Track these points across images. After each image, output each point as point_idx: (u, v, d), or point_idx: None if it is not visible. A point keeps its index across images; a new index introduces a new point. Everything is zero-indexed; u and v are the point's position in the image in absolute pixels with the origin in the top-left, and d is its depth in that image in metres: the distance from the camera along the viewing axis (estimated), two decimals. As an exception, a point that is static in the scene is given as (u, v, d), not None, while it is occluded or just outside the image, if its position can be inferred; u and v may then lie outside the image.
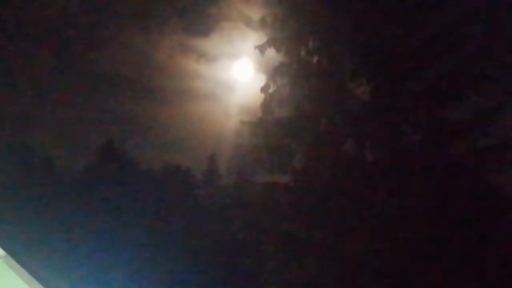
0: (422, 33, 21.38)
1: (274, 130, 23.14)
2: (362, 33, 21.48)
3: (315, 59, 23.11)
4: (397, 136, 20.74)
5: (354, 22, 21.66)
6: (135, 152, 36.50)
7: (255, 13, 25.27)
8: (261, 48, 23.73)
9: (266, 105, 23.31)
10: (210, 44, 34.03)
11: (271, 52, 23.34)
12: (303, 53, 23.04)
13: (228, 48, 32.82)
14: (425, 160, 19.59)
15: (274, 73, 23.24)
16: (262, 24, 23.76)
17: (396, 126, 20.88)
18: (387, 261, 18.84)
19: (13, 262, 13.62)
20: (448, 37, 21.01)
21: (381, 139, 20.59)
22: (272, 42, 23.56)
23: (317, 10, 22.81)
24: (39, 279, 13.51)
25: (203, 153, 34.04)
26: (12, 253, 13.69)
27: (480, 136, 19.66)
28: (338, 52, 22.91)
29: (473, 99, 20.30)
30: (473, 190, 18.67)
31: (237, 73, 35.64)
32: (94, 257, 28.96)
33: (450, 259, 18.25)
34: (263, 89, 23.40)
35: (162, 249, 31.92)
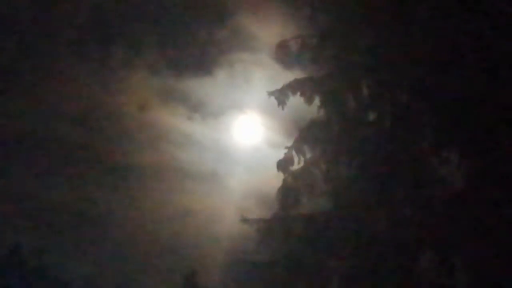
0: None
1: (298, 239, 15.63)
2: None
3: (371, 116, 15.58)
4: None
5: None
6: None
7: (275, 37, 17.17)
8: (280, 96, 16.04)
9: (285, 192, 15.92)
10: (209, 89, 24.37)
11: (296, 102, 16.00)
12: (352, 105, 15.67)
13: (236, 95, 23.49)
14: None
15: (301, 137, 15.97)
16: (283, 53, 16.29)
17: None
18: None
19: None
20: None
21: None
22: (298, 85, 15.94)
23: (379, 31, 15.39)
24: None
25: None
26: None
27: None
28: (412, 108, 15.22)
29: None
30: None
31: (240, 138, 25.29)
32: None
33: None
34: (282, 165, 16.00)
35: None
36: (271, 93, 16.09)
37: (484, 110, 14.09)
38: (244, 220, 16.17)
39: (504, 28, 14.83)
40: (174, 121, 26.56)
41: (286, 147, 16.18)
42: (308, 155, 16.20)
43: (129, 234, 23.72)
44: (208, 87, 26.28)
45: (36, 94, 25.30)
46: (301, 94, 16.11)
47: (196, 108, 26.64)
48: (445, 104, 14.62)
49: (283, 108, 16.13)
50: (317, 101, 16.08)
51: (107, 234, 23.90)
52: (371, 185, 15.29)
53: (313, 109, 16.21)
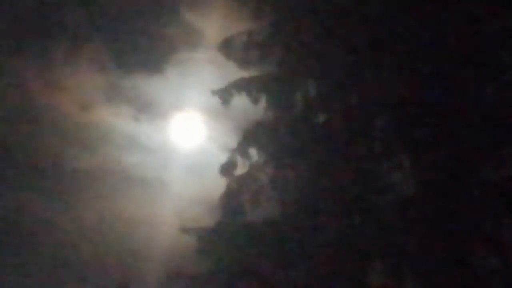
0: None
1: (241, 249, 15.28)
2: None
3: (320, 118, 15.42)
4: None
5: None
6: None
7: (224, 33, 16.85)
8: (224, 95, 15.81)
9: (228, 199, 15.68)
10: (158, 88, 23.91)
11: (240, 102, 15.84)
12: (300, 105, 15.54)
13: (185, 95, 23.04)
14: None
15: (245, 140, 15.68)
16: (227, 50, 16.14)
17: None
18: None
19: None
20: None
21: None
22: (244, 84, 15.70)
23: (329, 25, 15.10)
24: None
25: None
26: None
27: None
28: (363, 110, 14.97)
29: None
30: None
31: (187, 141, 24.88)
32: None
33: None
34: (225, 170, 15.76)
35: None
36: (215, 92, 15.75)
37: (438, 114, 13.95)
38: (184, 230, 15.78)
39: (465, 27, 14.74)
40: (119, 121, 26.06)
41: (230, 150, 15.81)
42: (253, 159, 15.88)
43: (63, 243, 23.14)
44: (157, 86, 25.86)
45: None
46: (247, 94, 15.77)
47: (143, 108, 26.16)
48: (397, 107, 14.44)
49: (226, 108, 15.79)
50: (263, 101, 15.79)
51: (39, 243, 23.26)
52: (319, 191, 15.05)
53: (258, 111, 15.93)
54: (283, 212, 15.41)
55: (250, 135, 15.68)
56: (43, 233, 23.79)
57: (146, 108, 26.00)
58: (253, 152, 15.82)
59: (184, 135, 24.64)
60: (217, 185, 16.31)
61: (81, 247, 23.57)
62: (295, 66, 15.47)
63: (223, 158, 16.13)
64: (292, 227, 15.05)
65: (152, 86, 25.81)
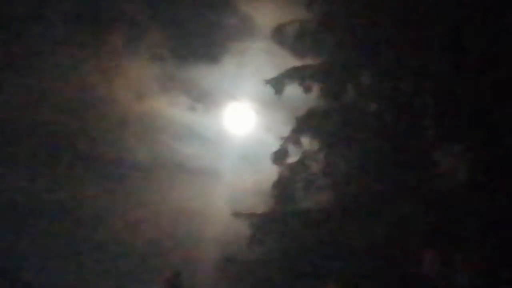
0: None
1: (293, 236, 15.68)
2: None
3: (372, 106, 15.80)
4: None
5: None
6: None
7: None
8: (277, 85, 16.23)
9: (281, 187, 16.02)
10: (214, 78, 24.32)
11: (293, 90, 16.17)
12: (352, 94, 15.86)
13: (240, 84, 23.47)
14: None
15: (297, 129, 16.05)
16: (279, 39, 16.59)
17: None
18: None
19: None
20: None
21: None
22: (296, 73, 16.12)
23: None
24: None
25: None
26: None
27: None
28: (415, 98, 15.37)
29: None
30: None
31: (242, 130, 25.31)
32: None
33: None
34: (277, 158, 16.14)
35: None
36: (267, 81, 16.10)
37: (489, 101, 14.09)
38: (236, 215, 16.16)
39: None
40: (175, 111, 26.40)
41: (282, 138, 16.10)
42: (305, 147, 16.21)
43: (117, 235, 23.60)
44: (212, 76, 26.14)
45: (22, 81, 25.07)
46: (300, 83, 16.13)
47: (199, 98, 26.44)
48: (450, 95, 14.60)
49: (279, 98, 16.11)
50: (315, 90, 16.12)
51: (93, 235, 23.75)
52: (371, 179, 15.30)
53: (312, 99, 16.25)
54: (335, 200, 15.60)
55: (302, 124, 15.98)
56: (99, 223, 24.27)
57: (201, 98, 26.31)
58: (305, 140, 16.04)
59: (238, 124, 25.01)
60: (270, 173, 16.67)
61: (138, 236, 23.98)
62: (347, 54, 15.67)
63: (275, 146, 16.40)
64: (344, 214, 15.29)
65: (207, 75, 26.13)
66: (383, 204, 15.10)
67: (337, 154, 15.81)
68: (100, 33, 26.20)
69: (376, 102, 15.64)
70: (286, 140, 16.13)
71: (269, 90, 16.58)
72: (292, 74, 15.90)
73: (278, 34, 16.26)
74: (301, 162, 16.09)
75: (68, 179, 24.46)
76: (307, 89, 15.94)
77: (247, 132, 25.02)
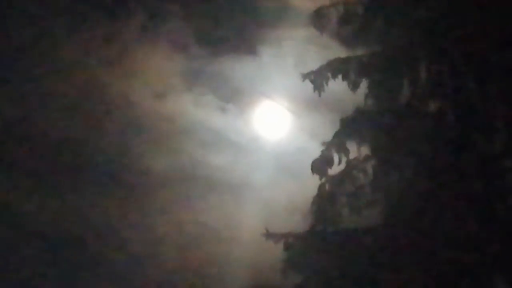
0: None
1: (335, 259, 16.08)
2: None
3: (432, 106, 16.13)
4: None
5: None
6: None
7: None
8: (317, 79, 16.62)
9: (322, 202, 16.53)
10: (248, 73, 24.62)
11: (337, 86, 16.71)
12: (408, 92, 16.28)
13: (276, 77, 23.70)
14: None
15: (342, 132, 16.54)
16: (320, 24, 16.97)
17: None
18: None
19: None
20: None
21: None
22: (340, 66, 16.53)
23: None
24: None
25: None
26: None
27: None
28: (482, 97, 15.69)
29: None
30: None
31: (273, 134, 25.59)
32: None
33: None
34: (318, 167, 16.56)
35: None
36: (305, 76, 16.50)
37: None
38: (268, 235, 16.65)
39: None
40: (201, 113, 26.63)
41: (324, 144, 16.53)
42: (352, 155, 16.63)
43: (131, 258, 23.93)
44: (247, 70, 26.39)
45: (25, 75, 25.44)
46: (344, 77, 16.51)
47: (229, 96, 26.65)
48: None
49: (320, 94, 16.51)
50: (364, 86, 16.53)
51: (102, 259, 24.09)
52: (429, 194, 15.56)
53: (358, 97, 16.67)
54: (386, 218, 15.90)
55: (348, 127, 16.30)
56: (106, 249, 24.60)
57: (233, 97, 26.53)
58: (351, 146, 16.35)
59: (275, 128, 25.28)
60: (311, 186, 17.04)
61: (149, 263, 24.29)
62: (402, 44, 15.96)
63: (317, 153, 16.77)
64: (397, 236, 15.56)
65: (240, 70, 26.39)
66: (444, 223, 15.31)
67: (389, 163, 16.02)
68: (111, 19, 26.63)
69: (436, 101, 15.81)
70: (329, 146, 16.37)
71: (309, 86, 16.90)
72: (335, 67, 16.22)
73: (319, 18, 16.52)
74: (346, 173, 16.41)
75: (73, 192, 24.83)
76: (354, 85, 16.19)
77: (285, 137, 25.34)
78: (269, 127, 25.94)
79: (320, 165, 16.50)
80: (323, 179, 16.55)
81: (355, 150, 16.64)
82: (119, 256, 24.39)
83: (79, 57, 26.16)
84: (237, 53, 26.69)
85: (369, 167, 16.41)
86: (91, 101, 25.80)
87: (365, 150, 16.57)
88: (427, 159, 15.77)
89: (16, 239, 23.52)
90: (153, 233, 24.84)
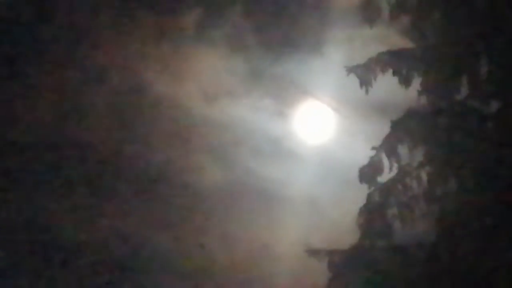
0: None
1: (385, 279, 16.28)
2: None
3: (493, 107, 16.30)
4: None
5: None
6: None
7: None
8: (364, 74, 16.78)
9: (370, 214, 16.75)
10: (311, 75, 24.83)
11: (387, 83, 16.88)
12: (467, 90, 16.43)
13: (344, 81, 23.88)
14: None
15: (393, 135, 16.69)
16: (368, 14, 17.27)
17: None
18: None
19: None
20: None
21: None
22: (390, 59, 16.72)
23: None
24: None
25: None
26: None
27: None
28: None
29: None
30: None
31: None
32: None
33: None
34: (366, 174, 16.85)
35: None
36: (350, 69, 16.59)
37: None
38: (311, 252, 16.88)
39: None
40: (258, 119, 26.75)
41: (373, 148, 16.72)
42: (404, 161, 16.69)
43: (181, 275, 24.21)
44: (311, 72, 26.44)
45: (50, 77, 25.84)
46: (394, 73, 16.57)
47: (291, 101, 26.76)
48: None
49: (367, 91, 16.56)
50: (416, 83, 16.56)
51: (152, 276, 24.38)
52: (492, 206, 15.51)
53: (411, 94, 16.72)
54: (442, 234, 15.90)
55: (399, 129, 16.31)
56: (150, 271, 24.93)
57: (294, 102, 26.64)
58: (403, 151, 16.37)
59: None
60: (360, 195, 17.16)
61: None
62: (461, 35, 15.96)
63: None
64: (454, 252, 15.53)
65: (303, 72, 26.49)
66: (506, 240, 15.25)
67: (446, 170, 16.01)
68: (158, 17, 26.98)
69: (498, 101, 15.81)
70: (378, 151, 16.43)
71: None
72: (384, 60, 16.26)
73: (367, 9, 16.62)
74: (397, 181, 16.46)
75: (110, 208, 25.21)
76: (406, 82, 16.21)
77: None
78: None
79: (368, 173, 16.53)
80: (372, 188, 16.51)
81: (407, 155, 16.76)
82: (169, 272, 24.52)
83: (118, 54, 26.43)
84: (301, 54, 26.75)
85: (424, 174, 16.48)
86: (130, 104, 25.99)
87: (418, 155, 16.56)
88: (490, 165, 15.73)
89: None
90: (203, 249, 25.08)
